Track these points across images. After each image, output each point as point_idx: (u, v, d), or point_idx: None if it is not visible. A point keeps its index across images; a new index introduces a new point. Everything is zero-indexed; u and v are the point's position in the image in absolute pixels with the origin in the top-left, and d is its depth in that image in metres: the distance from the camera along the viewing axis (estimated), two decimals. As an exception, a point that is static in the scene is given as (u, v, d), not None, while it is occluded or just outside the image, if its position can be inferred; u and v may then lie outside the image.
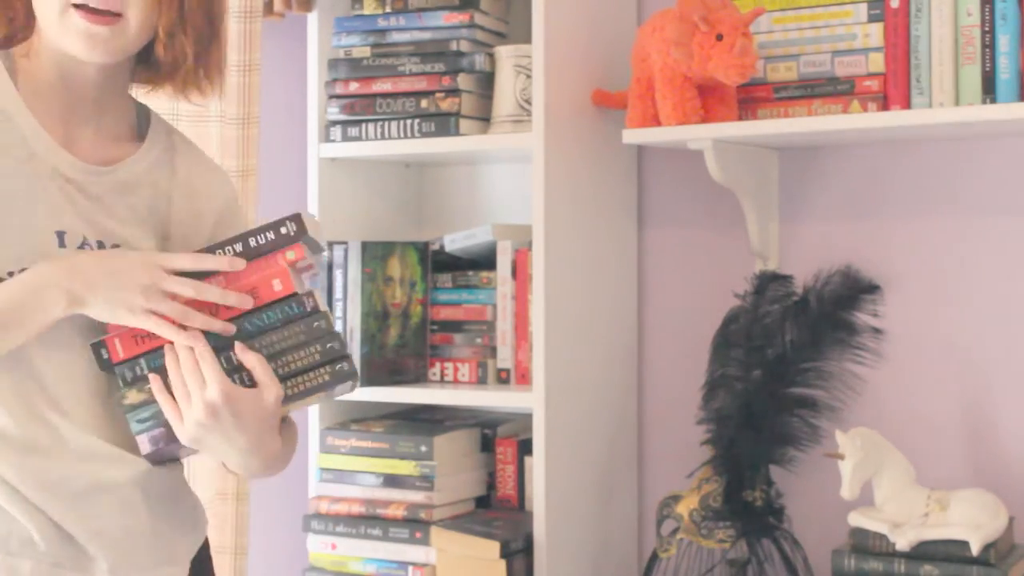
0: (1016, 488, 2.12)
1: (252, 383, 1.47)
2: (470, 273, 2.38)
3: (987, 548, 1.95)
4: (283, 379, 1.49)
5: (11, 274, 1.45)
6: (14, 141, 1.48)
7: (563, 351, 2.21)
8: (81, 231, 1.50)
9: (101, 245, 1.52)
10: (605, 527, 2.34)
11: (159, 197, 1.59)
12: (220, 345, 1.47)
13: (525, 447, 2.33)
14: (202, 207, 1.63)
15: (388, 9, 2.35)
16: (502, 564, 2.14)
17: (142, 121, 1.64)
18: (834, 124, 2.04)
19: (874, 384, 2.23)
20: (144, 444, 1.48)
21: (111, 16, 1.48)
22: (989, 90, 1.97)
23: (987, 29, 1.97)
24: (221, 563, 2.49)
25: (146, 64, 1.60)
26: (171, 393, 1.46)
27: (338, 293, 2.33)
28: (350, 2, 2.43)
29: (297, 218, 1.50)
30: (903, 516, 2.01)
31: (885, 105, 2.06)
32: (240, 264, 1.48)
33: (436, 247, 2.42)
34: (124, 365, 1.48)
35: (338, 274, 2.33)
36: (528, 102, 2.24)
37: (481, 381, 2.35)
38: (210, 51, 1.59)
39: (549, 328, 2.17)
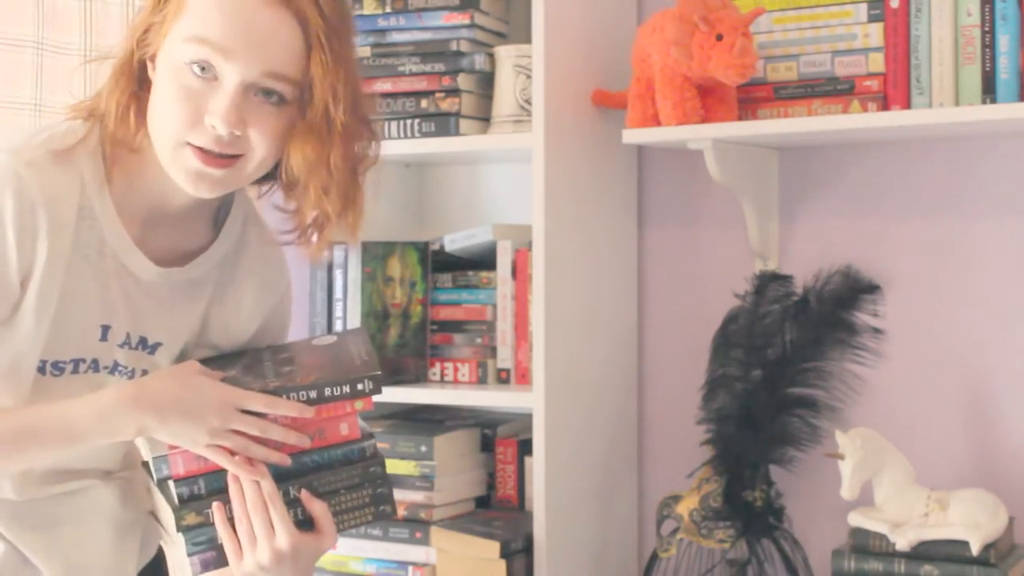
0: (1016, 488, 2.12)
1: (304, 517, 1.50)
2: (470, 273, 2.38)
3: (987, 548, 1.95)
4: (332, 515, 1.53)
5: (49, 365, 1.45)
6: (92, 240, 1.45)
7: (563, 351, 2.21)
8: (126, 328, 1.49)
9: (143, 341, 1.51)
10: (605, 527, 2.33)
11: (216, 290, 1.58)
12: (278, 475, 1.49)
13: (525, 447, 2.32)
14: (249, 302, 1.61)
15: (388, 9, 2.35)
16: (502, 564, 2.14)
17: (223, 207, 1.59)
18: (834, 124, 2.04)
19: (874, 384, 2.23)
20: (195, 565, 1.50)
21: (229, 159, 1.42)
22: (989, 90, 1.97)
23: (987, 29, 1.97)
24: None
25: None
26: (232, 525, 1.48)
27: (338, 293, 2.33)
28: (350, 2, 2.42)
29: (376, 379, 1.53)
30: (903, 516, 2.01)
31: (885, 105, 2.06)
32: (310, 412, 1.48)
33: (436, 247, 2.42)
34: (183, 483, 1.49)
35: (338, 274, 2.33)
36: (528, 102, 2.24)
37: (481, 381, 2.35)
38: (355, 202, 1.54)
39: (549, 328, 2.17)
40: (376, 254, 2.33)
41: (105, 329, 1.48)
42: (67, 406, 1.42)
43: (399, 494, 2.28)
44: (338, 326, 2.32)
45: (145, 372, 1.53)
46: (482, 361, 2.35)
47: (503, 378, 2.33)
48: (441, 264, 2.42)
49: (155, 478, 1.49)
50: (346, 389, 1.51)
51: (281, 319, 1.67)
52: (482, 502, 2.38)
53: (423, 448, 2.26)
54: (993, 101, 1.96)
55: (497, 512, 2.33)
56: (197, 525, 1.49)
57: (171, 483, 1.48)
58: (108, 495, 1.55)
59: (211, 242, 1.57)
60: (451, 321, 2.39)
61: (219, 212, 1.59)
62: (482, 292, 2.37)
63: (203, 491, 1.49)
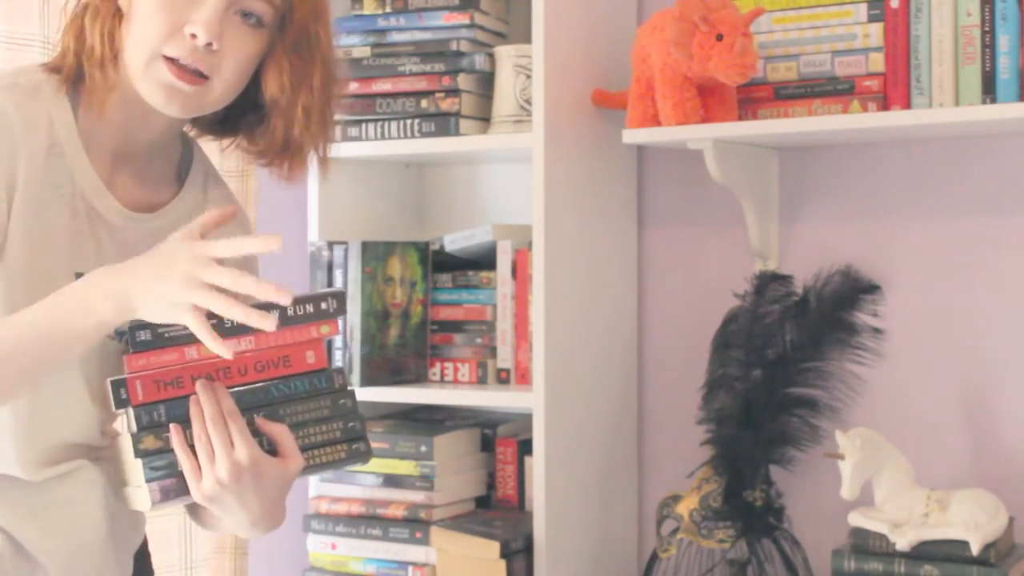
0: (1016, 488, 2.12)
1: (271, 450, 1.46)
2: (470, 273, 2.38)
3: (987, 548, 1.95)
4: (302, 450, 1.49)
5: None
6: (62, 179, 1.45)
7: (563, 351, 2.21)
8: (75, 269, 1.48)
9: None
10: (605, 527, 2.33)
11: None
12: (243, 407, 1.46)
13: (525, 447, 2.32)
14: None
15: (388, 9, 2.35)
16: (502, 564, 2.14)
17: (185, 160, 1.62)
18: (834, 124, 2.04)
19: (874, 384, 2.23)
20: (155, 492, 1.45)
21: (198, 77, 1.45)
22: (989, 90, 1.97)
23: (987, 29, 1.97)
24: (221, 563, 2.50)
25: (235, 124, 1.57)
26: (191, 448, 1.43)
27: (338, 293, 2.33)
28: (350, 2, 2.43)
29: (340, 296, 1.50)
30: (903, 516, 2.01)
31: (885, 105, 2.06)
32: (287, 299, 1.38)
33: (436, 247, 2.42)
34: (142, 408, 1.45)
35: (338, 274, 2.33)
36: (528, 102, 2.24)
37: (481, 381, 2.35)
38: (330, 129, 1.56)
39: (549, 328, 2.17)
40: (376, 254, 2.33)
41: (78, 276, 1.44)
42: (49, 301, 1.38)
43: (399, 494, 2.28)
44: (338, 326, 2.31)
45: None
46: (482, 361, 2.35)
47: (503, 378, 2.33)
48: (441, 264, 2.42)
49: (113, 403, 1.45)
50: (310, 308, 1.48)
51: (247, 268, 1.67)
52: (482, 502, 2.38)
53: (423, 448, 2.26)
54: (993, 101, 1.96)
55: (497, 512, 2.33)
56: (156, 450, 1.44)
57: (130, 409, 1.44)
58: (98, 477, 1.53)
59: (175, 196, 1.59)
60: (451, 321, 2.39)
61: (181, 168, 1.61)
62: (482, 292, 2.37)
63: (163, 418, 1.45)
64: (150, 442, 1.45)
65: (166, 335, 1.47)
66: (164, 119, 1.51)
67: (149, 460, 1.45)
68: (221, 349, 1.35)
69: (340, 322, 1.53)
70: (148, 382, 1.46)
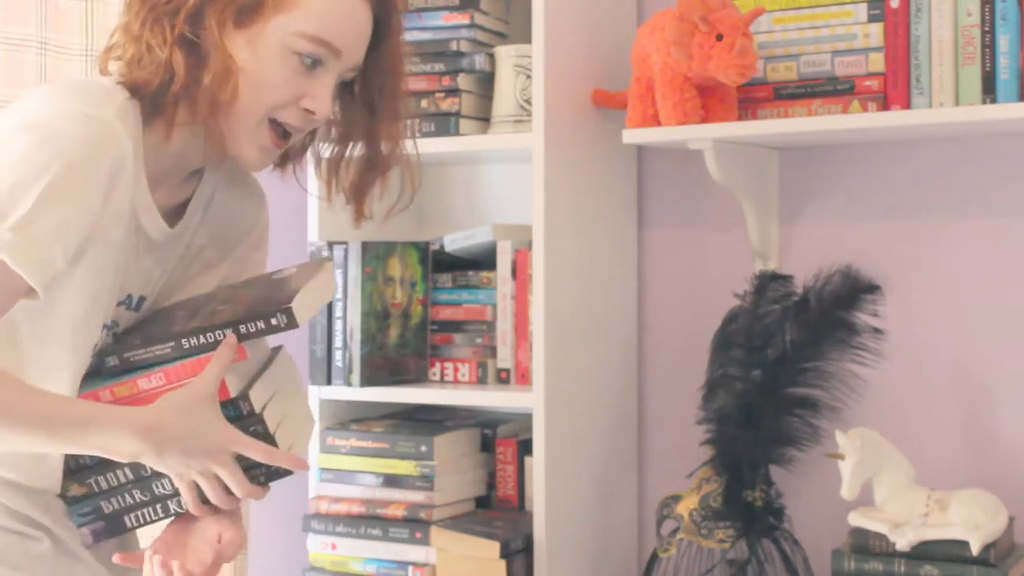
0: (1016, 488, 2.12)
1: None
2: (470, 273, 2.38)
3: (987, 548, 1.95)
4: None
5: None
6: (125, 200, 1.46)
7: (563, 351, 2.21)
8: (132, 288, 1.54)
9: (140, 300, 1.55)
10: (605, 527, 2.33)
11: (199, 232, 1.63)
12: None
13: (525, 447, 2.32)
14: (230, 234, 1.67)
15: (388, 9, 2.35)
16: (502, 564, 2.14)
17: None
18: (834, 124, 2.04)
19: (874, 384, 2.23)
20: (86, 537, 1.52)
21: (286, 139, 1.53)
22: (989, 90, 1.97)
23: (987, 29, 1.97)
24: (221, 563, 2.49)
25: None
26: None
27: (338, 293, 2.33)
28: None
29: (289, 311, 1.50)
30: (903, 516, 2.01)
31: (885, 105, 2.06)
32: (305, 466, 1.51)
33: (436, 247, 2.42)
34: (68, 455, 1.49)
35: (338, 274, 2.33)
36: (528, 102, 2.24)
37: (481, 381, 2.35)
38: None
39: (549, 328, 2.17)
40: (376, 254, 2.33)
41: (127, 298, 1.52)
42: (92, 409, 1.43)
43: (399, 494, 2.28)
44: (338, 326, 2.32)
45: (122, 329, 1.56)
46: (482, 361, 2.35)
47: (503, 378, 2.33)
48: (441, 264, 2.42)
49: None
50: (260, 325, 1.49)
51: (253, 262, 1.74)
52: (482, 502, 2.38)
53: (423, 448, 2.26)
54: (993, 101, 1.96)
55: (497, 512, 2.33)
56: (82, 496, 1.49)
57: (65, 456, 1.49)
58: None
59: (188, 197, 1.61)
60: (451, 321, 2.39)
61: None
62: (482, 292, 2.37)
63: (88, 462, 1.49)
64: (75, 489, 1.50)
65: (132, 359, 1.52)
66: (218, 155, 1.54)
67: (77, 507, 1.50)
68: (201, 512, 1.50)
69: (255, 345, 1.55)
70: None
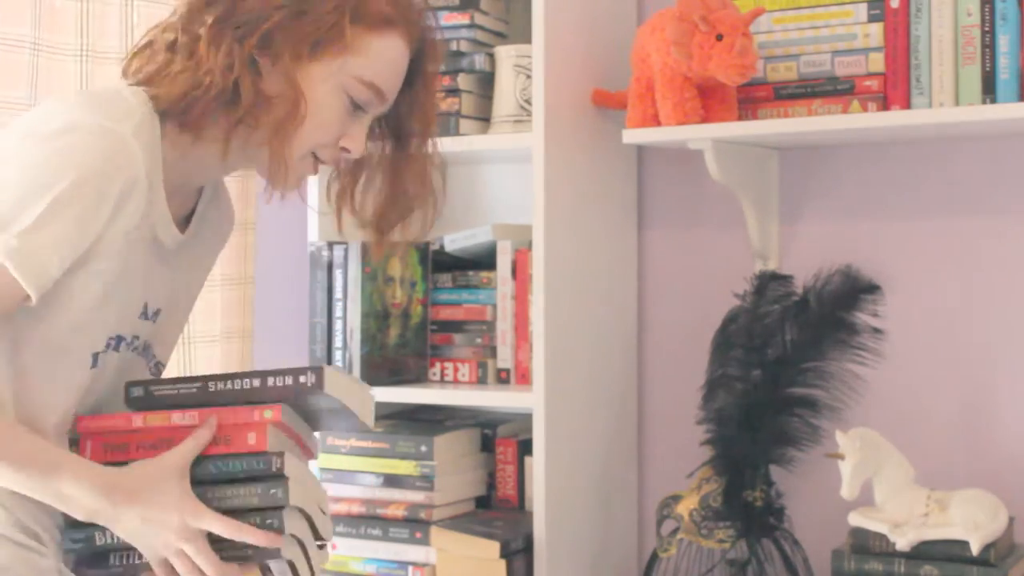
0: (1016, 488, 2.12)
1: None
2: (470, 273, 2.38)
3: (987, 548, 1.95)
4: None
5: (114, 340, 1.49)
6: (143, 216, 1.46)
7: (563, 351, 2.21)
8: (150, 299, 1.54)
9: (156, 312, 1.56)
10: (605, 527, 2.33)
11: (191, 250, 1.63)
12: None
13: (525, 447, 2.32)
14: (212, 258, 1.70)
15: (388, 9, 2.35)
16: (502, 564, 2.14)
17: None
18: (834, 124, 2.04)
19: (874, 384, 2.23)
20: (70, 563, 1.51)
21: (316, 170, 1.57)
22: (989, 90, 1.97)
23: (987, 29, 1.97)
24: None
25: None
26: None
27: (338, 293, 2.33)
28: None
29: (319, 371, 1.51)
30: (903, 516, 2.01)
31: (885, 105, 2.06)
32: (277, 542, 1.47)
33: (436, 247, 2.42)
34: None
35: (338, 274, 2.33)
36: (528, 102, 2.24)
37: (481, 381, 2.35)
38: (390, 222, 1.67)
39: (549, 328, 2.17)
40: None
41: (142, 302, 1.52)
42: (61, 457, 1.43)
43: (399, 494, 2.28)
44: (338, 326, 2.32)
45: (147, 345, 1.56)
46: (482, 361, 2.35)
47: (503, 378, 2.33)
48: (441, 264, 2.42)
49: None
50: (288, 380, 1.50)
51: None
52: (482, 502, 2.38)
53: (423, 448, 2.26)
54: (993, 101, 1.96)
55: (497, 512, 2.33)
56: (82, 523, 1.47)
57: None
58: None
59: (192, 206, 1.62)
60: (451, 321, 2.39)
61: None
62: (482, 292, 2.37)
63: None
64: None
65: (156, 393, 1.53)
66: (236, 169, 1.60)
67: (71, 532, 1.49)
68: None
69: (293, 412, 1.55)
70: (97, 444, 1.50)
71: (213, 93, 1.44)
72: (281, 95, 1.47)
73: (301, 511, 1.52)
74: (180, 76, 1.45)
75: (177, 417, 1.51)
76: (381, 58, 1.52)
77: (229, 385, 1.51)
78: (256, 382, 1.51)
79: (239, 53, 1.44)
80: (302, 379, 1.50)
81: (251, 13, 1.45)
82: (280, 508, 1.49)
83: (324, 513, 1.57)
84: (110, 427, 1.52)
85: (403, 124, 1.63)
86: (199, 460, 1.49)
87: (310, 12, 1.47)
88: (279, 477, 1.49)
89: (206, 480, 1.49)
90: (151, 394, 1.54)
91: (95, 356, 1.49)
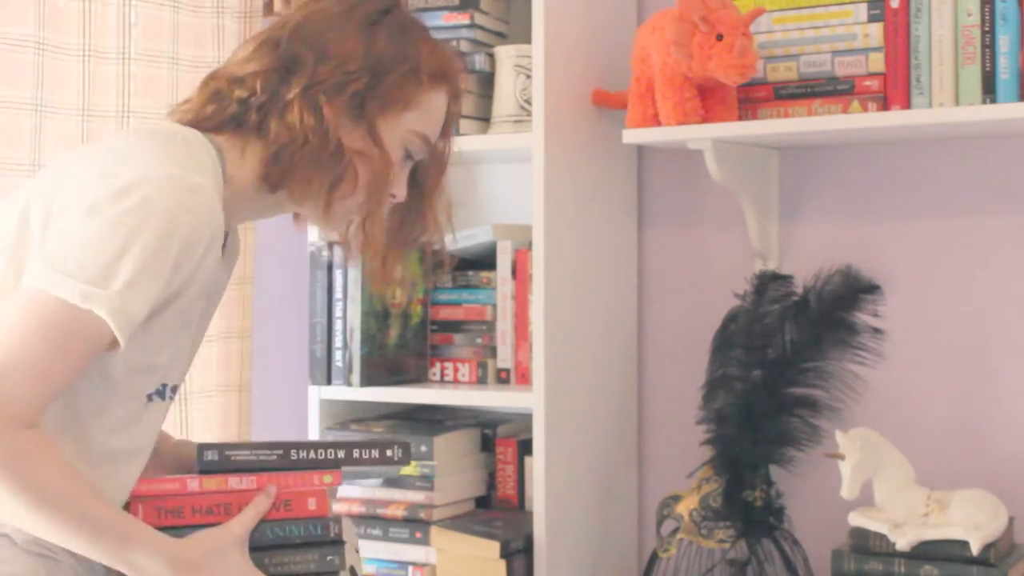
0: (1016, 488, 2.12)
1: None
2: (470, 273, 2.38)
3: (987, 548, 1.95)
4: None
5: (168, 388, 1.52)
6: (212, 268, 1.49)
7: (563, 351, 2.21)
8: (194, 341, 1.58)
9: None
10: (605, 527, 2.33)
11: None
12: None
13: (525, 447, 2.32)
14: (225, 281, 1.70)
15: (388, 9, 2.35)
16: (502, 564, 2.14)
17: None
18: (834, 124, 2.04)
19: (874, 384, 2.23)
20: None
21: None
22: (989, 90, 1.97)
23: (987, 29, 1.97)
24: (221, 563, 2.49)
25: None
26: None
27: (338, 293, 2.33)
28: (350, 2, 2.42)
29: (407, 447, 1.53)
30: (903, 516, 2.01)
31: (885, 105, 2.06)
32: None
33: (436, 247, 2.42)
34: None
35: (338, 274, 2.33)
36: (528, 102, 2.24)
37: (481, 381, 2.35)
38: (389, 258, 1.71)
39: (549, 328, 2.17)
40: (376, 254, 2.33)
41: (194, 345, 1.56)
42: (131, 526, 1.43)
43: (399, 494, 2.28)
44: (338, 326, 2.32)
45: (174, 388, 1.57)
46: (482, 361, 2.35)
47: (503, 378, 2.33)
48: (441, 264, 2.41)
49: None
50: (375, 453, 1.52)
51: None
52: (482, 502, 2.38)
53: (423, 448, 2.26)
54: (993, 101, 1.96)
55: (497, 512, 2.33)
56: None
57: None
58: None
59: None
60: (451, 321, 2.39)
61: None
62: (482, 292, 2.37)
63: None
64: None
65: (233, 458, 1.52)
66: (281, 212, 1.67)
67: None
68: None
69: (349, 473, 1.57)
70: (150, 508, 1.49)
71: (307, 153, 1.51)
72: (365, 152, 1.55)
73: (351, 569, 1.53)
74: (273, 135, 1.52)
75: (234, 481, 1.51)
76: (433, 111, 1.61)
77: (312, 455, 1.52)
78: (341, 453, 1.51)
79: (330, 115, 1.52)
80: (389, 453, 1.52)
81: (334, 77, 1.53)
82: (335, 573, 1.50)
83: (359, 557, 1.61)
84: (165, 491, 1.51)
85: (421, 165, 1.68)
86: (257, 525, 1.51)
87: (386, 73, 1.55)
88: (337, 543, 1.51)
89: (264, 545, 1.49)
90: (227, 458, 1.53)
91: (148, 397, 1.51)
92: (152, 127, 1.63)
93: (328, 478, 1.53)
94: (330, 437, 1.77)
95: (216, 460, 1.52)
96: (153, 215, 1.37)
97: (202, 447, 1.53)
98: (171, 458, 1.69)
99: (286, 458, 1.51)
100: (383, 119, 1.56)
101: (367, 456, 1.51)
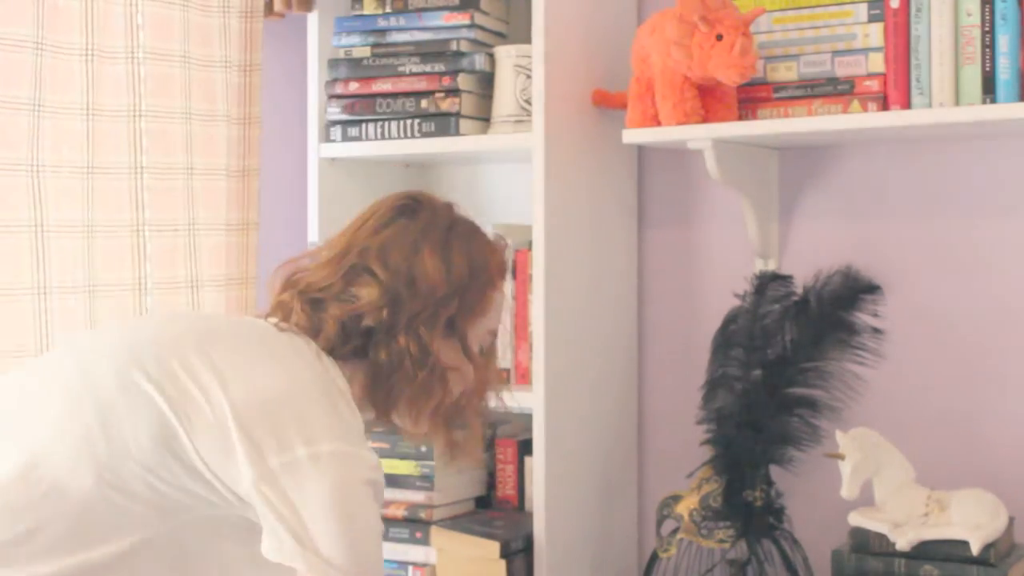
0: (1016, 488, 2.12)
1: None
2: (470, 273, 2.38)
3: (987, 548, 1.95)
4: None
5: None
6: None
7: (563, 351, 2.21)
8: None
9: None
10: (605, 527, 2.33)
11: None
12: None
13: (525, 447, 2.32)
14: None
15: (388, 9, 2.35)
16: (502, 564, 2.14)
17: None
18: (834, 124, 2.04)
19: (874, 384, 2.23)
20: None
21: None
22: (989, 90, 1.97)
23: (987, 29, 1.97)
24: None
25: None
26: None
27: (338, 293, 2.32)
28: (350, 2, 2.43)
29: None
30: (903, 516, 2.01)
31: (885, 105, 2.06)
32: None
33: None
34: None
35: (338, 274, 2.32)
36: (528, 102, 2.24)
37: (481, 381, 2.35)
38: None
39: (549, 328, 2.17)
40: (376, 254, 2.33)
41: None
42: None
43: (399, 494, 2.28)
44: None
45: None
46: (482, 361, 2.35)
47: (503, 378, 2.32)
48: (441, 264, 2.41)
49: None
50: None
51: None
52: (482, 502, 2.38)
53: (423, 448, 2.26)
54: (993, 101, 1.96)
55: (497, 512, 2.33)
56: None
57: None
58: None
59: None
60: (451, 321, 2.39)
61: None
62: (482, 292, 2.36)
63: None
64: None
65: None
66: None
67: None
68: None
69: None
70: None
71: (410, 372, 1.63)
72: (460, 368, 1.68)
73: None
74: (385, 360, 1.63)
75: None
76: (498, 308, 1.74)
77: None
78: None
79: (428, 338, 1.63)
80: None
81: (428, 308, 1.63)
82: None
83: None
84: None
85: None
86: None
87: (467, 291, 1.67)
88: None
89: None
90: None
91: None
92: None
93: None
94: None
95: None
96: (355, 491, 1.58)
97: None
98: None
99: None
100: (470, 330, 1.68)
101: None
